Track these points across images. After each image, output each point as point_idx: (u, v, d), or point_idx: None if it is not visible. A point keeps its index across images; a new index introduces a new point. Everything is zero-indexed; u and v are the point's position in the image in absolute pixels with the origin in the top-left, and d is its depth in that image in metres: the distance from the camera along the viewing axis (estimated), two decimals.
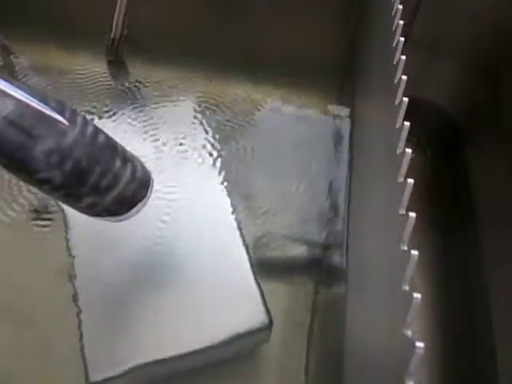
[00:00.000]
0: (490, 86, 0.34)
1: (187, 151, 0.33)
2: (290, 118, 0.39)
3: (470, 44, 0.34)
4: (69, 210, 0.29)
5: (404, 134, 0.18)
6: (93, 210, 0.22)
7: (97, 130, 0.21)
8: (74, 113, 0.20)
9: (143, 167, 0.23)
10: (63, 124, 0.19)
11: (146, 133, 0.34)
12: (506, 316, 0.27)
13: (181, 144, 0.33)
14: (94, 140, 0.20)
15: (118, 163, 0.21)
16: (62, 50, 0.41)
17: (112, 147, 0.21)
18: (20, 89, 0.18)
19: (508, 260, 0.28)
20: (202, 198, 0.30)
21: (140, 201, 0.23)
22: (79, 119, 0.20)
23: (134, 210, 0.23)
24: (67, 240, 0.28)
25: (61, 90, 0.38)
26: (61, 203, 0.23)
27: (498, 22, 0.32)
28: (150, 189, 0.23)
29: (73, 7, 0.40)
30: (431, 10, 0.33)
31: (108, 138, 0.21)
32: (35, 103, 0.19)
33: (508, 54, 0.32)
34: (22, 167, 0.19)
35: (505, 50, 0.32)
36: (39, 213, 0.32)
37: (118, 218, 0.23)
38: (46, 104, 0.19)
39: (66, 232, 0.29)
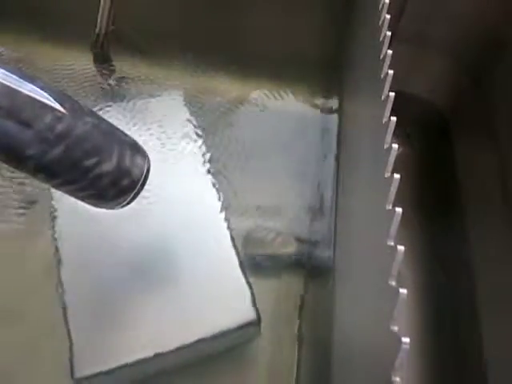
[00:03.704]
0: (477, 80, 0.34)
1: (175, 147, 0.33)
2: (277, 113, 0.39)
3: (456, 38, 0.34)
4: (57, 206, 0.29)
5: (391, 129, 0.18)
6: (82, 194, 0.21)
7: (93, 119, 0.21)
8: (71, 100, 0.20)
9: (141, 159, 0.23)
10: (57, 110, 0.19)
11: (132, 128, 0.33)
12: (493, 312, 0.27)
13: (169, 139, 0.33)
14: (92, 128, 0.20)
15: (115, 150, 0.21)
16: (47, 46, 0.40)
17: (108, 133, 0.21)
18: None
19: (496, 255, 0.28)
20: (190, 195, 0.30)
21: (130, 191, 0.22)
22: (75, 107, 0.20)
23: (122, 199, 0.22)
24: (54, 237, 0.28)
25: None
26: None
27: (485, 16, 0.32)
28: (141, 181, 0.23)
29: (58, 2, 0.40)
30: (418, 5, 0.33)
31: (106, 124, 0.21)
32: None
33: (495, 49, 0.32)
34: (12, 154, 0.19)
35: (491, 45, 0.32)
36: (27, 209, 0.32)
37: (106, 205, 0.22)
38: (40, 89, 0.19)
39: (54, 228, 0.28)
